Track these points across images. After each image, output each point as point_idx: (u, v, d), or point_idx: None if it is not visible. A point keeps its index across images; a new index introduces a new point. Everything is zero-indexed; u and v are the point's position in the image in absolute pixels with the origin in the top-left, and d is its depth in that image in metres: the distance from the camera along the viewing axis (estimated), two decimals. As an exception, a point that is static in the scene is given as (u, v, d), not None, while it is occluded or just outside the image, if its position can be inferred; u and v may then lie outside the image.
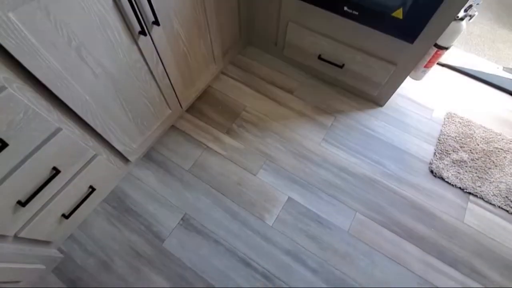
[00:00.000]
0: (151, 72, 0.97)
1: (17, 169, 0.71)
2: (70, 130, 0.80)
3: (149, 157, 1.25)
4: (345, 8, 1.03)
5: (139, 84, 0.95)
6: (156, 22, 0.84)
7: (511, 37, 2.24)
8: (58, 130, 0.76)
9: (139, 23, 0.79)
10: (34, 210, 0.84)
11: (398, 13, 0.94)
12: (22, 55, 0.59)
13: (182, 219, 1.12)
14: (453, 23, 1.04)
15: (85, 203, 1.02)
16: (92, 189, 1.01)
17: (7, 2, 0.52)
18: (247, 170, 1.22)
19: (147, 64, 0.93)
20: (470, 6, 1.02)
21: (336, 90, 1.45)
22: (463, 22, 1.04)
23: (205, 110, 1.38)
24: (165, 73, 1.03)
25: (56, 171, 0.81)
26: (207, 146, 1.28)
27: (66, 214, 0.95)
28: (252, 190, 1.18)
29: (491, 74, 1.55)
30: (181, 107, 1.26)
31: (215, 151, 1.27)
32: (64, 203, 0.92)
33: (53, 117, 0.74)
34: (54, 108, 0.73)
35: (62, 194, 0.89)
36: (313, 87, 1.45)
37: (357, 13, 1.02)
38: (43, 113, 0.70)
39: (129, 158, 1.10)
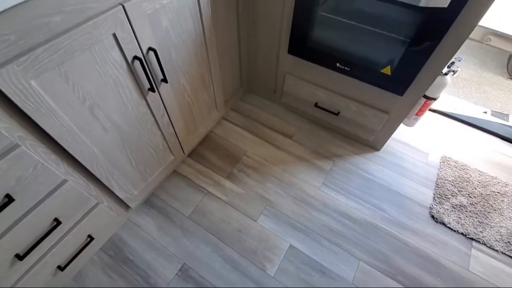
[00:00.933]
0: (157, 123, 1.02)
1: (18, 223, 0.71)
2: (75, 181, 0.82)
3: (149, 202, 1.25)
4: (338, 65, 1.13)
5: (144, 133, 0.99)
6: (165, 80, 0.91)
7: (496, 80, 2.39)
8: (64, 182, 0.78)
9: (149, 82, 0.85)
10: (31, 263, 0.82)
11: (387, 70, 1.02)
12: (39, 116, 0.63)
13: (180, 269, 1.08)
14: (438, 78, 1.13)
15: (82, 253, 1.00)
16: (90, 238, 0.99)
17: (30, 71, 0.57)
18: (247, 216, 1.22)
19: (153, 116, 0.98)
20: (453, 62, 1.12)
21: (333, 134, 1.50)
22: (448, 77, 1.12)
23: (207, 154, 1.41)
24: (170, 123, 1.09)
25: (57, 223, 0.81)
26: (208, 191, 1.29)
27: (62, 266, 0.92)
28: (252, 237, 1.16)
29: (480, 119, 1.62)
30: (183, 153, 1.29)
31: (216, 196, 1.27)
32: (61, 254, 0.90)
33: (60, 170, 0.77)
34: (62, 161, 0.76)
35: (60, 245, 0.88)
36: (311, 132, 1.51)
37: (348, 69, 1.11)
38: (51, 167, 0.73)
39: (130, 205, 1.10)
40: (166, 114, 1.03)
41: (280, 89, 1.49)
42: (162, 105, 0.99)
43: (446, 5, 0.77)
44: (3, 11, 0.49)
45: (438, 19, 0.82)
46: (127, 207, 1.13)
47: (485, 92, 2.26)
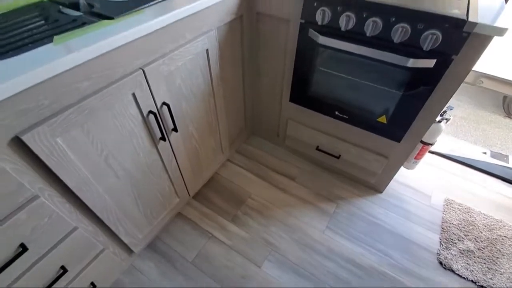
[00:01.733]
0: (165, 168, 1.07)
1: (26, 272, 0.73)
2: (84, 228, 0.85)
3: (153, 246, 1.25)
4: (336, 113, 1.20)
5: (153, 178, 1.03)
6: (175, 129, 0.98)
7: (493, 118, 2.44)
8: (75, 229, 0.81)
9: (161, 132, 0.92)
10: (32, 314, 0.81)
11: (382, 119, 1.09)
12: (60, 169, 0.68)
13: (182, 320, 1.04)
14: (433, 125, 1.19)
15: (83, 302, 0.98)
16: (93, 286, 0.98)
17: (58, 130, 0.64)
18: (252, 262, 1.20)
19: (162, 162, 1.03)
20: (445, 111, 1.18)
21: (336, 176, 1.53)
22: (442, 123, 1.18)
23: (212, 196, 1.43)
24: (178, 167, 1.13)
25: (63, 270, 0.82)
26: (212, 235, 1.29)
27: (62, 317, 0.90)
28: (257, 284, 1.13)
29: (480, 160, 1.65)
30: (189, 195, 1.32)
31: (220, 240, 1.27)
32: (63, 304, 0.89)
33: (73, 218, 0.79)
34: (75, 210, 0.79)
35: (63, 295, 0.87)
36: (314, 174, 1.54)
37: (347, 117, 1.18)
38: (65, 215, 0.76)
39: (134, 250, 1.10)
40: (174, 160, 1.08)
41: (283, 132, 1.56)
42: (171, 152, 1.04)
43: (432, 66, 0.86)
44: (42, 82, 0.57)
45: (426, 76, 0.90)
46: (130, 251, 1.13)
47: (484, 131, 2.31)
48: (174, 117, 0.97)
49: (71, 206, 0.78)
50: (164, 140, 0.95)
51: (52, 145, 0.64)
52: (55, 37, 0.64)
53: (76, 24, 0.71)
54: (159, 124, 0.89)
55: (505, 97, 2.67)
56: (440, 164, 1.61)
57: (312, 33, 1.00)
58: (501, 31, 0.74)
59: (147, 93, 0.82)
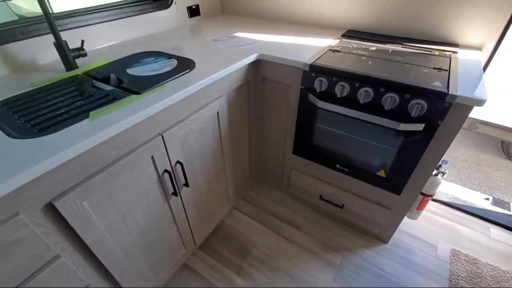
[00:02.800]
0: (175, 220, 1.11)
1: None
2: (95, 284, 0.87)
3: (157, 300, 1.23)
4: (337, 165, 1.27)
5: (162, 231, 1.07)
6: (186, 184, 1.05)
7: (494, 161, 2.47)
8: (88, 285, 0.83)
9: (173, 187, 0.99)
10: None
11: (381, 173, 1.15)
12: (83, 229, 0.74)
13: None
14: (430, 178, 1.25)
15: None
16: None
17: (85, 194, 0.71)
18: (257, 318, 1.17)
19: (173, 215, 1.08)
20: (440, 165, 1.25)
21: (340, 226, 1.54)
22: (439, 176, 1.24)
23: (217, 246, 1.45)
24: (186, 219, 1.17)
25: (72, 330, 0.83)
26: (217, 288, 1.28)
27: None
28: None
29: (483, 208, 1.66)
30: (195, 245, 1.34)
31: (225, 294, 1.25)
32: None
33: (86, 274, 0.83)
34: (89, 267, 0.83)
35: None
36: (319, 222, 1.56)
37: (347, 170, 1.25)
38: (80, 273, 0.80)
39: (139, 305, 1.10)
40: (184, 212, 1.13)
41: (287, 181, 1.62)
42: (182, 205, 1.10)
43: (421, 129, 0.95)
44: (78, 155, 0.66)
45: (417, 137, 0.99)
46: (136, 307, 1.12)
47: (486, 173, 2.34)
48: (186, 173, 1.05)
49: (86, 263, 0.82)
50: (176, 195, 1.01)
51: (78, 208, 0.70)
52: (91, 113, 0.74)
53: (108, 99, 0.83)
54: (173, 181, 0.96)
55: (503, 141, 2.73)
56: (443, 212, 1.63)
57: (312, 97, 1.11)
58: (480, 102, 0.84)
59: (163, 154, 0.90)
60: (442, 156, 1.03)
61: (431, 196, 1.27)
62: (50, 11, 0.96)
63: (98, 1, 1.26)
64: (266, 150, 1.57)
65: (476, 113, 2.23)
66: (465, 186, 1.97)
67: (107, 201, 0.78)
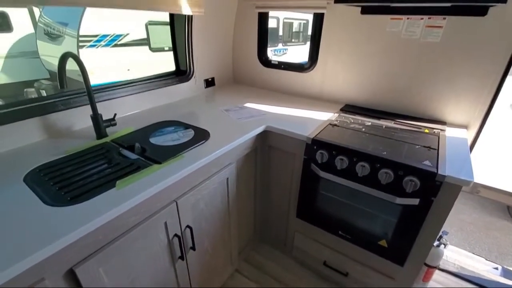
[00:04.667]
0: (178, 284, 1.11)
1: None
2: None
3: None
4: (340, 232, 1.30)
5: (166, 297, 1.07)
6: (193, 248, 1.08)
7: (502, 225, 2.42)
8: None
9: (181, 251, 1.02)
10: None
11: (383, 243, 1.18)
12: (94, 295, 0.77)
13: None
14: (433, 249, 1.26)
15: None
16: None
17: (103, 260, 0.76)
18: None
19: (177, 279, 1.09)
20: (441, 236, 1.28)
21: (344, 294, 1.50)
22: (441, 247, 1.26)
23: (217, 313, 1.39)
24: (189, 283, 1.17)
25: None
26: None
27: None
28: None
29: (491, 280, 1.61)
30: (195, 312, 1.30)
31: None
32: None
33: None
34: (93, 334, 0.83)
35: None
36: (322, 290, 1.51)
37: (350, 237, 1.28)
38: None
39: None
40: (187, 276, 1.14)
41: (291, 243, 1.62)
42: (186, 269, 1.12)
43: (417, 203, 1.01)
44: (105, 223, 0.73)
45: (414, 210, 1.05)
46: None
47: (495, 238, 2.28)
48: (194, 237, 1.09)
49: (90, 330, 0.82)
50: (183, 259, 1.04)
51: (95, 274, 0.75)
52: (118, 182, 0.84)
53: (133, 167, 0.93)
54: (181, 245, 1.01)
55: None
56: (451, 283, 1.58)
57: (314, 167, 1.21)
58: (467, 183, 0.93)
59: (176, 220, 0.97)
60: (441, 228, 1.07)
61: (435, 267, 1.27)
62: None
63: (124, 75, 1.47)
64: (270, 212, 1.61)
65: (477, 177, 2.29)
66: (474, 253, 1.93)
67: (120, 268, 0.82)
